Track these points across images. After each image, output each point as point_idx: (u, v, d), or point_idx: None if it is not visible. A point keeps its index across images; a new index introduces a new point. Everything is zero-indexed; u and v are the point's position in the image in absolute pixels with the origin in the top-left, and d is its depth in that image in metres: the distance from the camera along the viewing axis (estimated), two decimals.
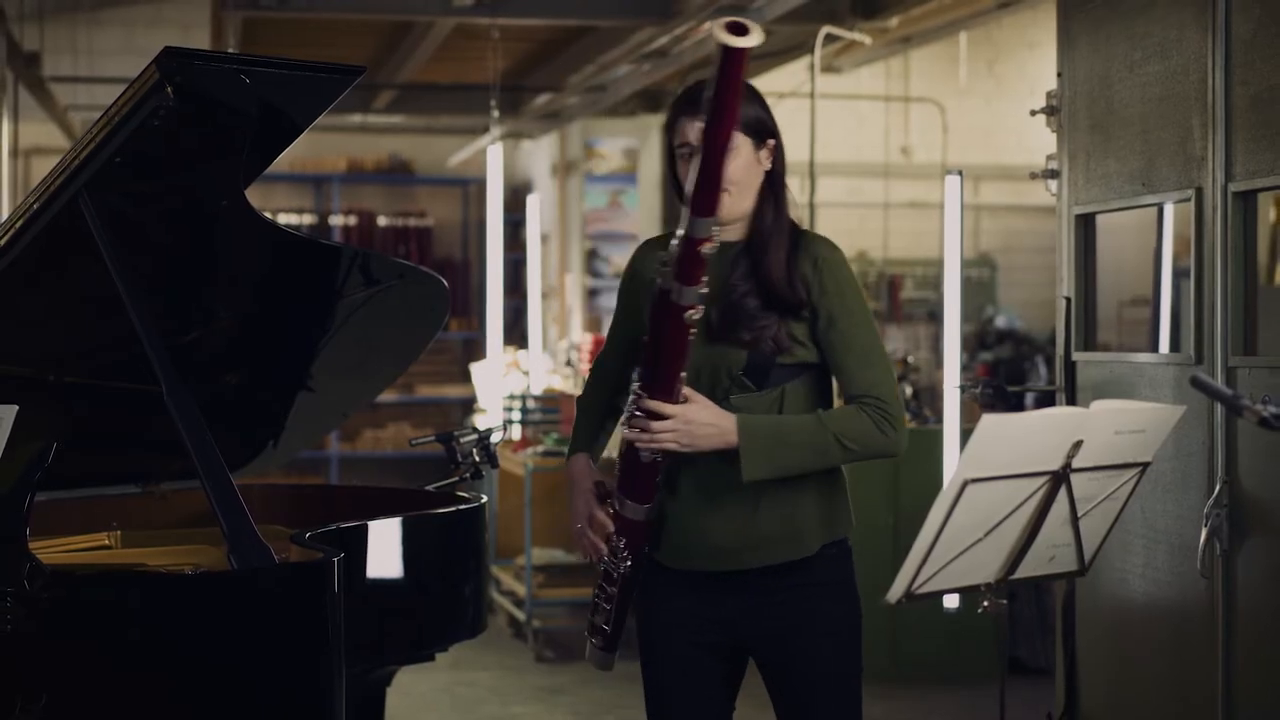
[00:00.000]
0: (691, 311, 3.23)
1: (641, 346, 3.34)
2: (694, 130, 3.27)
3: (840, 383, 3.43)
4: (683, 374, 3.32)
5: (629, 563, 3.42)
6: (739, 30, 3.03)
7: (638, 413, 3.32)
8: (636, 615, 3.53)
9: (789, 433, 3.34)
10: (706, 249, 3.21)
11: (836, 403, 3.47)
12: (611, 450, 3.56)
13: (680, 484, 3.42)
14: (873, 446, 3.36)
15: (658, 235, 3.59)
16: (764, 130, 3.40)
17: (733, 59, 3.06)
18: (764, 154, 3.40)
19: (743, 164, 3.35)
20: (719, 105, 3.11)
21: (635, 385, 3.35)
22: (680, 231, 3.21)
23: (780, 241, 3.39)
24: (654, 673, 3.52)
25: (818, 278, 3.37)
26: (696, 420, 3.31)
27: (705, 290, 3.24)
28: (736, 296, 3.36)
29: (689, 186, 3.20)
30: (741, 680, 3.53)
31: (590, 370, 3.74)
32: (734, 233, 3.40)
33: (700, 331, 3.32)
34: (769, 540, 3.39)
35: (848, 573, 3.48)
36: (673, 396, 3.30)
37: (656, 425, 3.30)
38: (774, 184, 3.42)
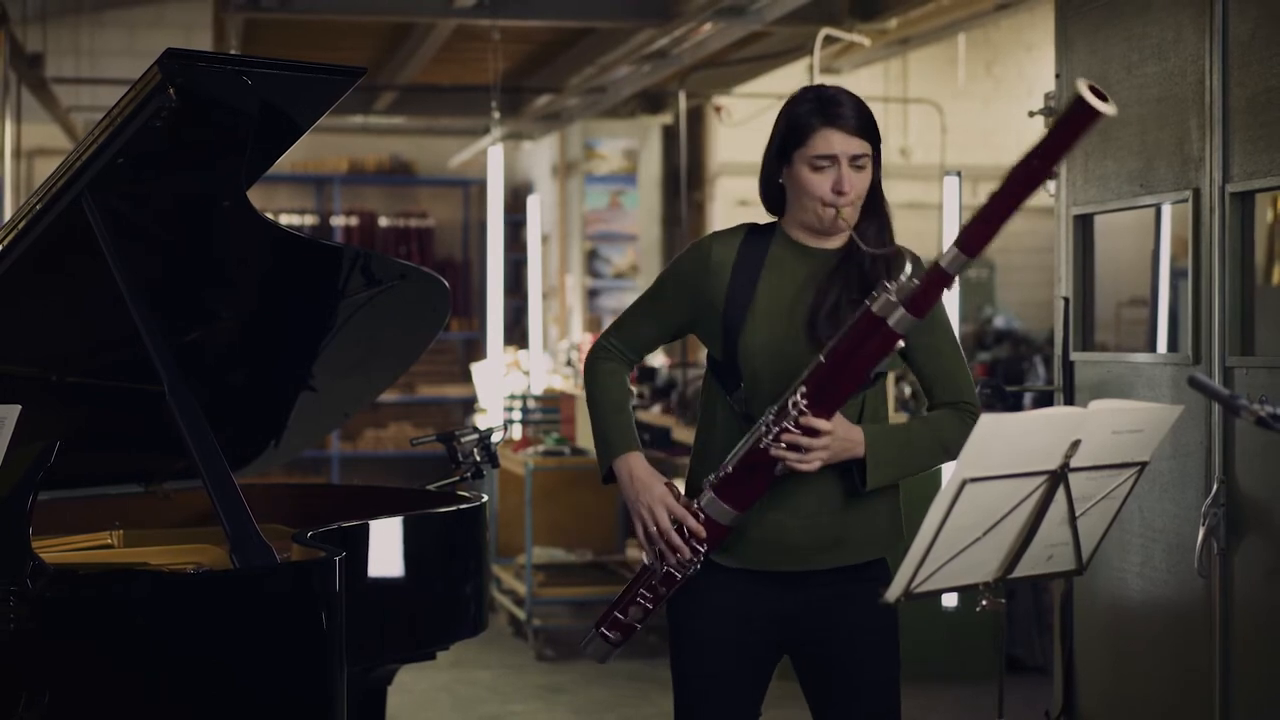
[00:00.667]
0: (901, 340, 3.22)
1: (820, 362, 3.24)
2: (838, 142, 3.30)
3: (930, 388, 3.45)
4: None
5: (698, 565, 3.38)
6: (1101, 96, 2.98)
7: (795, 428, 3.26)
8: (673, 613, 3.48)
9: (908, 440, 3.40)
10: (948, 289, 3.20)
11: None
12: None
13: None
14: (959, 450, 3.41)
15: (733, 228, 3.53)
16: (879, 141, 3.41)
17: (1083, 119, 2.99)
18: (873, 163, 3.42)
19: (866, 178, 3.37)
20: (1047, 158, 3.06)
21: (799, 401, 3.25)
22: (941, 264, 3.14)
23: (888, 233, 3.42)
24: (690, 671, 3.47)
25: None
26: (843, 435, 3.29)
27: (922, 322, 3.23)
28: (839, 306, 3.35)
29: (961, 219, 3.15)
30: (769, 682, 3.52)
31: (600, 352, 3.58)
32: (836, 240, 3.41)
33: (800, 335, 3.34)
34: (846, 542, 3.41)
35: (890, 577, 3.53)
36: (831, 415, 3.27)
37: (815, 443, 3.25)
38: (875, 193, 3.43)
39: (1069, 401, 5.08)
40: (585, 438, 8.84)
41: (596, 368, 3.57)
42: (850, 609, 3.45)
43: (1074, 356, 5.14)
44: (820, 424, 3.25)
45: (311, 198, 14.28)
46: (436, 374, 13.89)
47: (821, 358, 3.25)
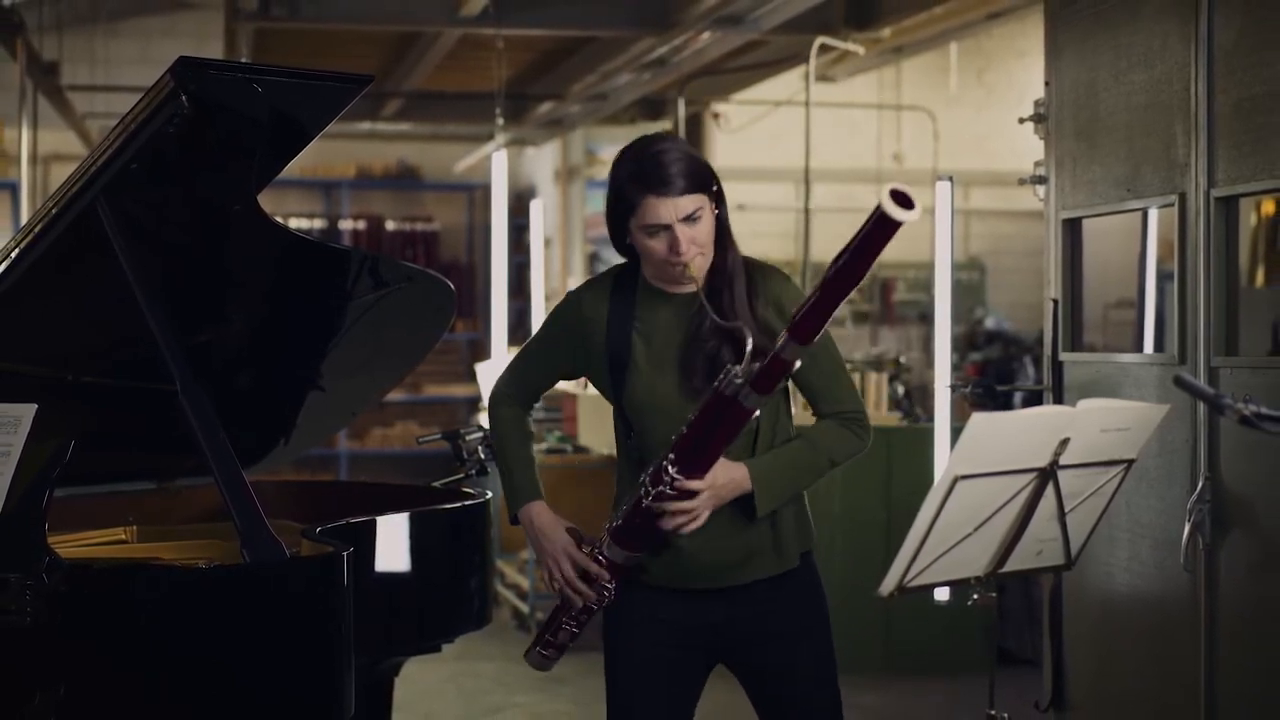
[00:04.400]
0: (756, 415, 3.27)
1: (682, 432, 3.28)
2: (667, 210, 3.29)
3: (812, 400, 3.49)
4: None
5: (610, 597, 3.45)
6: (905, 203, 3.02)
7: (669, 491, 3.30)
8: (606, 624, 3.53)
9: (790, 464, 3.43)
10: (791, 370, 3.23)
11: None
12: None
13: None
14: (854, 454, 3.50)
15: (600, 276, 3.55)
16: (713, 184, 3.40)
17: (888, 229, 3.04)
18: (712, 205, 3.40)
19: (707, 226, 3.35)
20: (858, 263, 3.10)
21: (666, 466, 3.30)
22: (779, 353, 3.18)
23: (739, 282, 3.41)
24: (623, 680, 3.52)
25: (778, 312, 3.40)
26: (720, 484, 3.33)
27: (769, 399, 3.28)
28: (710, 352, 3.38)
29: (798, 311, 3.16)
30: (701, 692, 3.56)
31: (499, 406, 3.64)
32: (689, 284, 3.40)
33: (678, 387, 3.38)
34: (757, 555, 3.44)
35: (817, 576, 3.56)
36: (704, 474, 3.32)
37: (692, 505, 3.30)
38: (721, 229, 3.42)
39: (1058, 401, 5.06)
40: (587, 435, 8.89)
41: (498, 413, 3.64)
42: (779, 615, 3.48)
43: (1063, 357, 5.13)
44: (695, 485, 3.30)
45: (320, 202, 14.31)
46: (441, 374, 13.91)
47: (684, 428, 3.28)
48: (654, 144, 3.38)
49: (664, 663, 3.49)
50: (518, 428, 3.63)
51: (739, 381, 3.21)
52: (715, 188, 3.40)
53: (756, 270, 3.47)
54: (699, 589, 3.46)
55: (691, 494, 3.30)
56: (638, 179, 3.34)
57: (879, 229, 3.05)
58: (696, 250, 3.33)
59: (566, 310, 3.55)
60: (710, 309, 3.30)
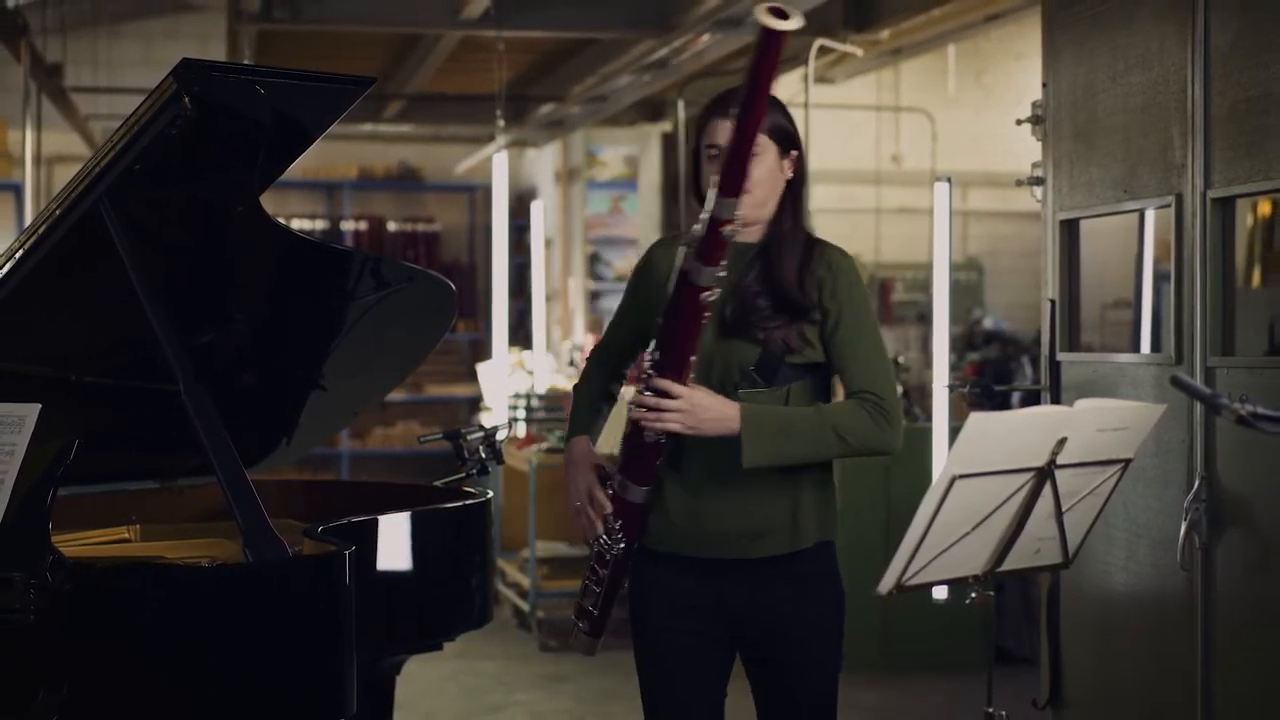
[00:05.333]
0: (708, 293, 3.29)
1: (656, 328, 3.38)
2: (724, 131, 3.33)
3: (843, 381, 3.50)
4: (693, 358, 3.37)
5: (622, 545, 3.47)
6: (780, 14, 3.10)
7: (646, 391, 3.37)
8: (630, 602, 3.58)
9: (790, 423, 3.41)
10: (728, 231, 3.27)
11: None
12: (613, 442, 3.60)
13: (684, 471, 3.47)
14: (869, 441, 3.43)
15: (675, 234, 3.64)
16: (789, 141, 3.48)
17: (772, 41, 3.13)
18: (787, 164, 3.48)
19: (767, 168, 3.43)
20: (753, 87, 3.18)
21: (646, 364, 3.39)
22: (704, 214, 3.27)
23: (795, 248, 3.46)
24: (649, 660, 3.56)
25: (831, 281, 3.45)
26: (702, 404, 3.36)
27: (724, 274, 3.31)
28: (749, 296, 3.43)
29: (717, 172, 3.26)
30: (731, 668, 3.59)
31: (589, 358, 3.79)
32: (752, 235, 3.46)
33: (713, 327, 3.40)
34: (771, 530, 3.46)
35: (836, 571, 3.56)
36: (682, 378, 3.35)
37: (664, 404, 3.35)
38: (794, 193, 3.50)
39: (1055, 401, 5.07)
40: None
41: (581, 373, 3.80)
42: (794, 605, 3.49)
43: (1060, 357, 5.15)
44: (669, 386, 3.35)
45: (322, 203, 14.33)
46: (443, 374, 13.93)
47: (659, 319, 3.37)
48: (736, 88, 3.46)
49: (686, 636, 3.52)
50: (591, 379, 3.76)
51: (690, 254, 3.29)
52: (790, 146, 3.49)
53: (819, 244, 3.53)
54: (712, 558, 3.48)
55: (665, 395, 3.36)
56: (713, 104, 3.48)
57: (765, 48, 3.14)
58: (748, 190, 3.37)
59: (640, 264, 3.68)
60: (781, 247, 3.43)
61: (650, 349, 3.40)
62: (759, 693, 3.58)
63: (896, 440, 3.46)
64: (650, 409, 3.38)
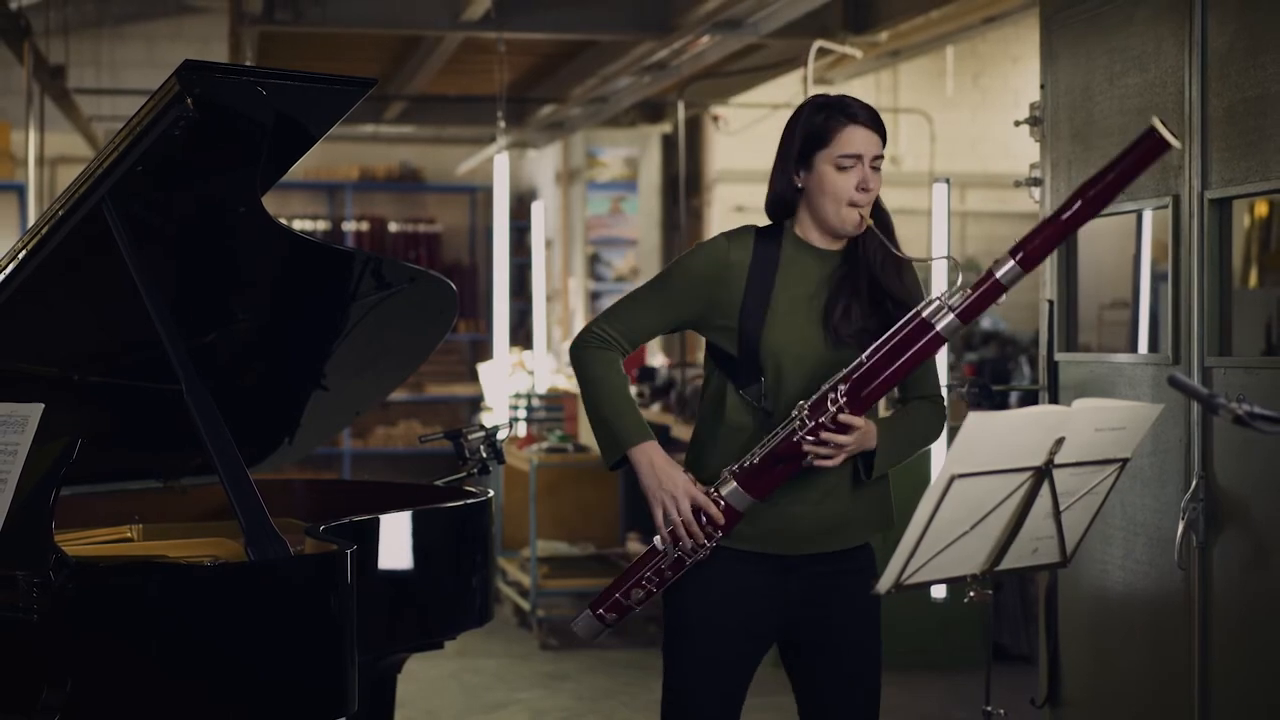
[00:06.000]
0: (945, 344, 3.33)
1: (862, 361, 3.33)
2: (863, 141, 3.37)
3: (909, 383, 3.53)
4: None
5: (709, 551, 3.44)
6: (1173, 133, 3.10)
7: (830, 425, 3.33)
8: (675, 593, 3.52)
9: (905, 433, 3.50)
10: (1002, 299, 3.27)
11: None
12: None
13: None
14: (935, 438, 3.60)
15: (740, 229, 3.56)
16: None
17: (1154, 150, 3.12)
18: None
19: (879, 181, 3.45)
20: (1117, 183, 3.16)
21: (835, 396, 3.33)
22: (996, 275, 3.23)
23: (893, 257, 3.47)
24: (687, 649, 3.52)
25: (915, 289, 3.51)
26: (870, 433, 3.39)
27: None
28: (848, 302, 3.45)
29: (1034, 238, 3.22)
30: (756, 669, 3.61)
31: (601, 341, 3.57)
32: (840, 242, 3.48)
33: (819, 333, 3.43)
34: (846, 527, 3.51)
35: (874, 558, 3.62)
36: (864, 412, 3.36)
37: (843, 440, 3.33)
38: (879, 205, 3.52)
39: (1053, 400, 5.09)
40: (588, 435, 8.92)
41: (591, 355, 3.56)
42: (842, 595, 3.54)
43: (1058, 357, 5.15)
44: (856, 421, 3.33)
45: (324, 204, 14.34)
46: (444, 374, 13.95)
47: (864, 357, 3.32)
48: (848, 96, 3.49)
49: (730, 633, 3.52)
50: (615, 370, 3.55)
51: (946, 307, 3.27)
52: None
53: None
54: (790, 555, 3.50)
55: (847, 430, 3.33)
56: (841, 111, 3.43)
57: (1147, 153, 3.13)
58: (872, 198, 3.41)
59: (708, 255, 3.52)
60: (887, 241, 3.40)
61: (836, 381, 3.35)
62: (806, 682, 3.59)
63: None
64: (829, 444, 3.34)
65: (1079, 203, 3.20)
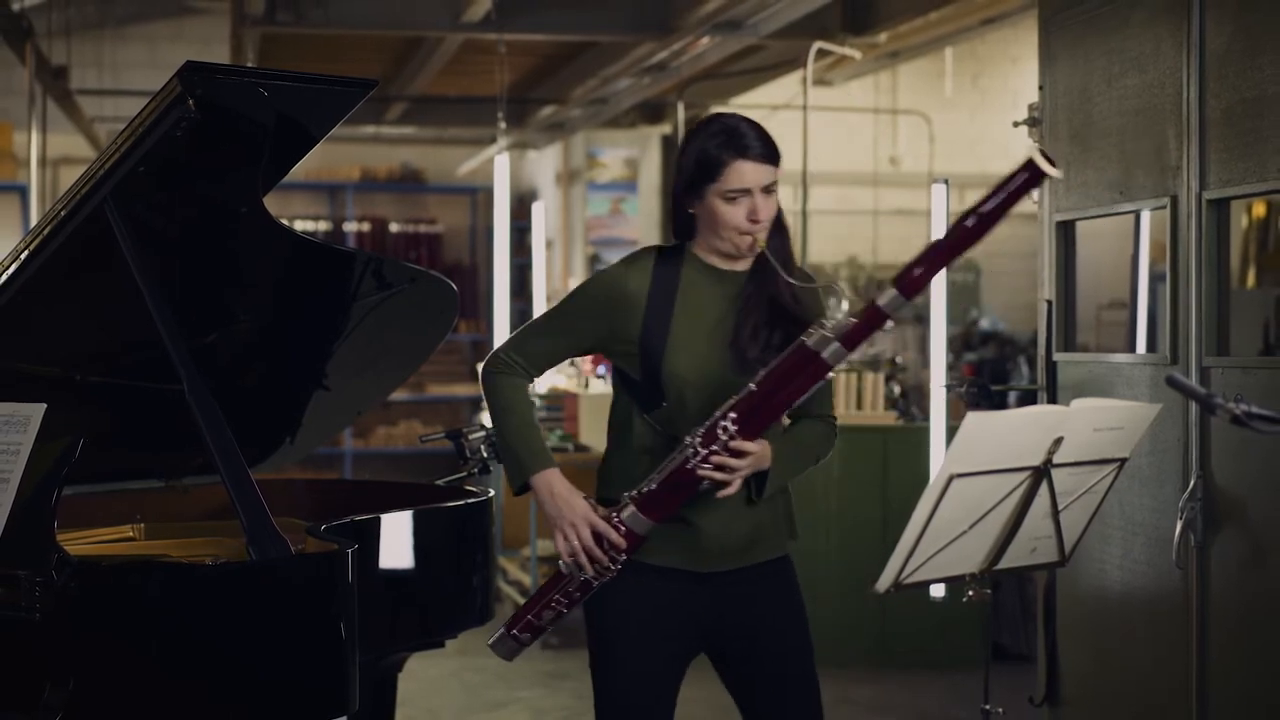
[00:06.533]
0: (831, 373, 3.33)
1: (751, 389, 3.32)
2: (750, 174, 3.35)
3: (802, 402, 3.48)
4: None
5: (614, 572, 3.45)
6: (1051, 162, 3.11)
7: (723, 451, 3.32)
8: (602, 613, 3.53)
9: (796, 453, 3.50)
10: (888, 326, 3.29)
11: None
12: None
13: None
14: (825, 457, 3.60)
15: (639, 253, 3.58)
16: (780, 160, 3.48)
17: (1034, 179, 3.12)
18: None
19: (775, 203, 3.43)
20: (996, 211, 3.15)
21: (725, 425, 3.32)
22: (880, 303, 3.22)
23: (790, 269, 3.46)
24: (615, 666, 3.52)
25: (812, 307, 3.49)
26: (764, 455, 3.39)
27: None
28: (756, 325, 3.44)
29: (914, 265, 3.20)
30: (683, 680, 3.60)
31: (508, 366, 3.59)
32: (744, 262, 3.47)
33: (723, 356, 3.42)
34: (763, 539, 3.50)
35: (794, 568, 3.63)
36: (757, 437, 3.35)
37: (737, 465, 3.33)
38: (778, 213, 3.49)
39: (1052, 400, 5.09)
40: (588, 434, 8.93)
41: (498, 381, 3.59)
42: (763, 602, 3.53)
43: (1057, 357, 5.16)
44: (749, 446, 3.32)
45: (325, 205, 14.36)
46: (445, 373, 13.96)
47: (753, 385, 3.31)
48: (739, 117, 3.45)
49: (659, 649, 3.51)
50: (520, 395, 3.59)
51: (829, 335, 3.26)
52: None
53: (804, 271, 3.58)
54: (704, 572, 3.49)
55: (741, 455, 3.34)
56: (729, 143, 3.39)
57: (1025, 183, 3.12)
58: (765, 225, 3.40)
59: (605, 284, 3.53)
60: (781, 269, 3.38)
61: (726, 409, 3.34)
62: (744, 692, 3.59)
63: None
64: (724, 468, 3.34)
65: (959, 233, 3.18)
